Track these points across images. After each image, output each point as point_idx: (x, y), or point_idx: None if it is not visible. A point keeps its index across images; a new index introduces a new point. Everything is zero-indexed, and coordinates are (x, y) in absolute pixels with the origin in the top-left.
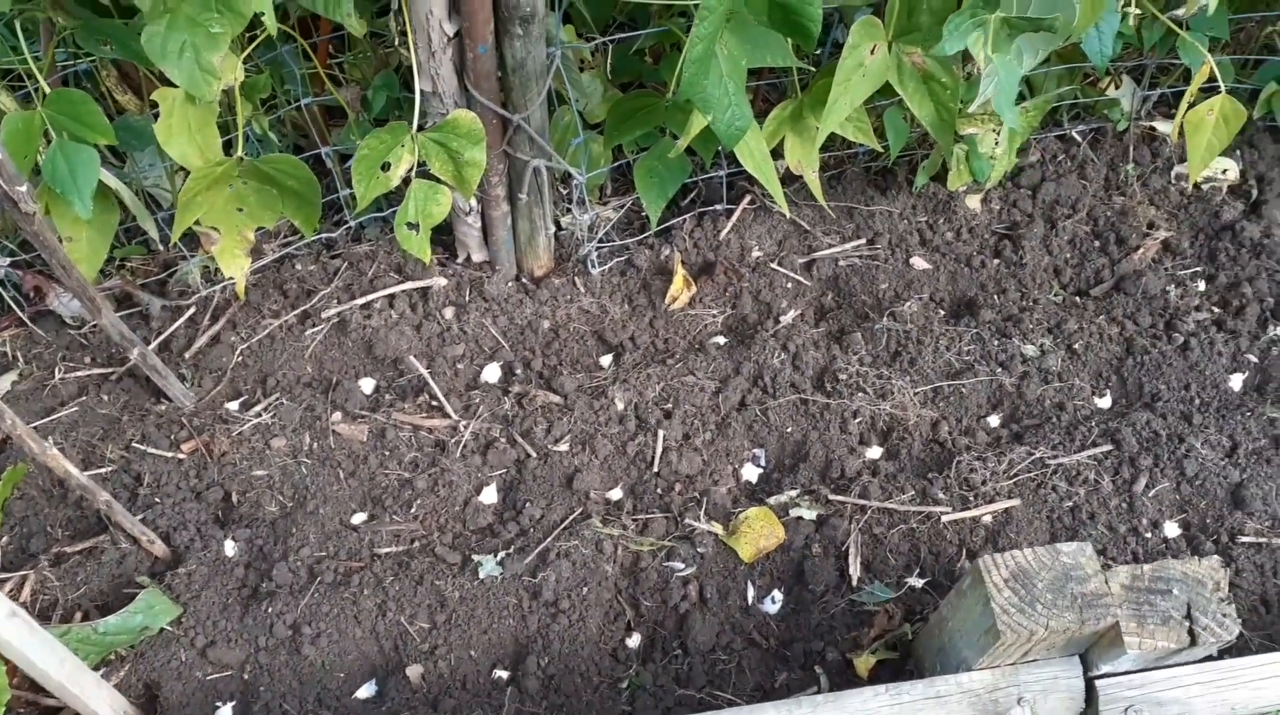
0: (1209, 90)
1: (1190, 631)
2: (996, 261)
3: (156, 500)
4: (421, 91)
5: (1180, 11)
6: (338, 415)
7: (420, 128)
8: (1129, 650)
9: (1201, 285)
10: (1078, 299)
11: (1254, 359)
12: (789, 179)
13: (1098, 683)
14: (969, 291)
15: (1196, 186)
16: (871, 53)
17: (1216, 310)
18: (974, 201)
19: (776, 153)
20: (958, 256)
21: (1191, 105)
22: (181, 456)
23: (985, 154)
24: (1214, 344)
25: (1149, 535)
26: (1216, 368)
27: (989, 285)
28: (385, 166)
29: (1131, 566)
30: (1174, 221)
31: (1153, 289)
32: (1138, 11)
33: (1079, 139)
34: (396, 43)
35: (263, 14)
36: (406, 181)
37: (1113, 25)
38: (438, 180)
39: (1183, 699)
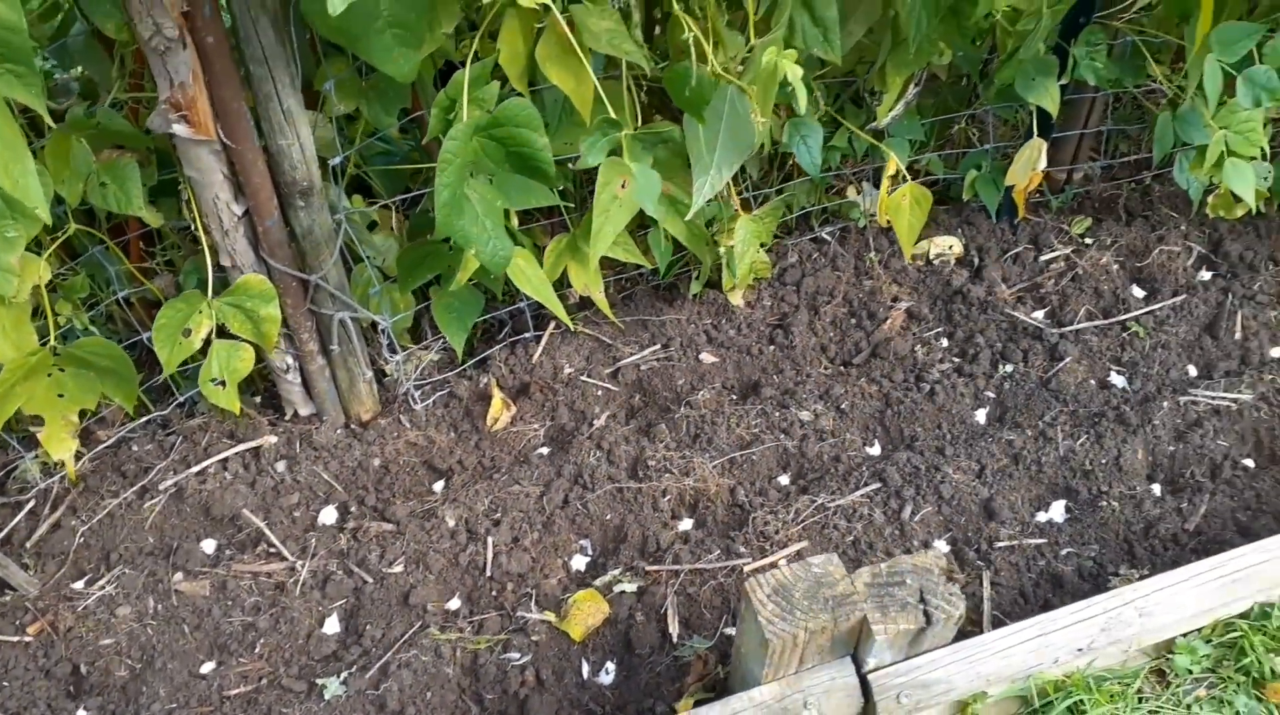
0: (931, 182)
1: (925, 613)
2: (772, 347)
3: (5, 683)
4: (222, 266)
5: (879, 123)
6: (179, 575)
7: (217, 293)
8: (877, 637)
9: (944, 342)
10: (842, 368)
11: (991, 395)
12: (587, 303)
13: (870, 677)
14: (752, 375)
15: (928, 261)
16: (622, 187)
17: (957, 360)
18: (737, 298)
19: (567, 280)
20: (740, 348)
21: (891, 193)
22: (28, 639)
23: (738, 259)
24: (957, 387)
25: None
26: (962, 406)
27: (768, 368)
28: (187, 332)
29: (871, 567)
30: (914, 293)
31: (902, 351)
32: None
33: (829, 238)
34: (194, 227)
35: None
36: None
37: (817, 140)
38: (240, 338)
39: (944, 678)
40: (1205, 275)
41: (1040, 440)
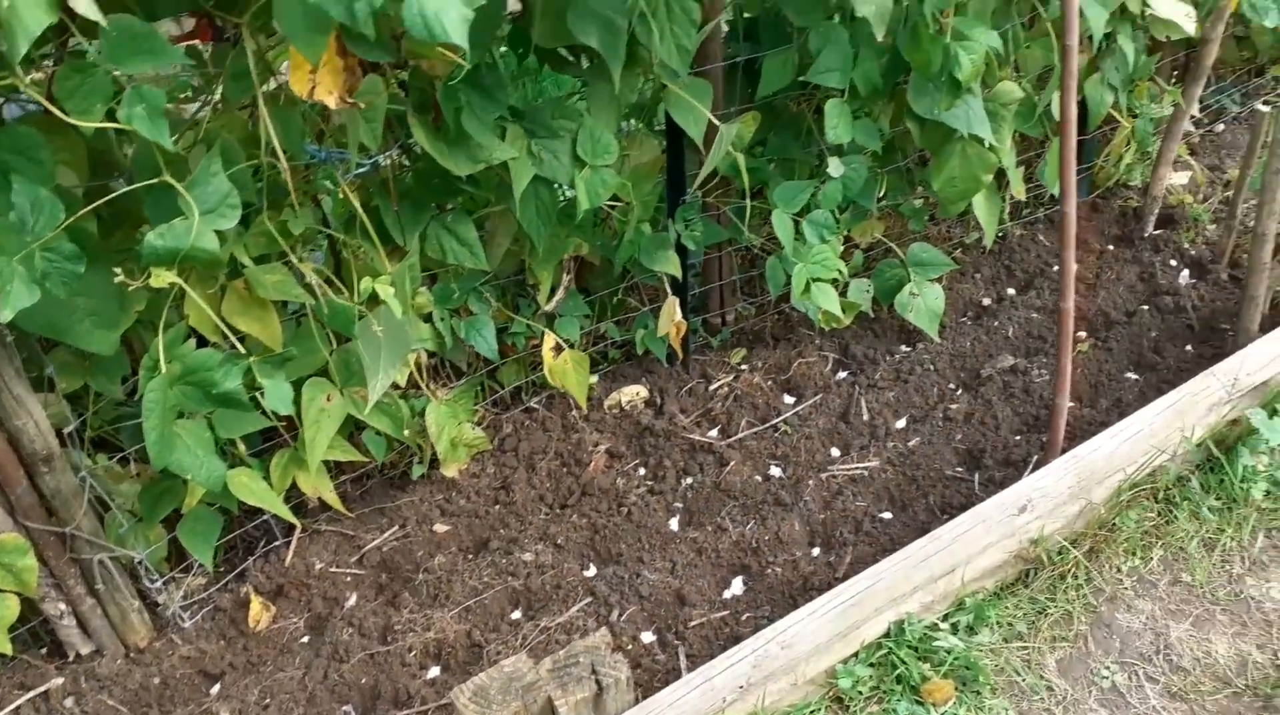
0: (621, 344)
1: (596, 681)
2: (498, 506)
3: None
4: None
5: (546, 308)
6: None
7: None
8: (561, 709)
9: (640, 470)
10: (559, 510)
11: (679, 505)
12: (327, 504)
13: None
14: (482, 534)
15: (621, 408)
16: (328, 400)
17: (650, 482)
18: (451, 471)
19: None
20: (469, 513)
21: (556, 360)
22: None
23: (435, 439)
24: (650, 505)
25: (631, 646)
26: (656, 519)
27: (495, 524)
28: None
29: (552, 656)
30: (613, 436)
31: (606, 485)
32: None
33: (538, 406)
34: None
35: None
36: None
37: (490, 332)
38: (4, 590)
39: None
40: (841, 375)
41: (718, 532)
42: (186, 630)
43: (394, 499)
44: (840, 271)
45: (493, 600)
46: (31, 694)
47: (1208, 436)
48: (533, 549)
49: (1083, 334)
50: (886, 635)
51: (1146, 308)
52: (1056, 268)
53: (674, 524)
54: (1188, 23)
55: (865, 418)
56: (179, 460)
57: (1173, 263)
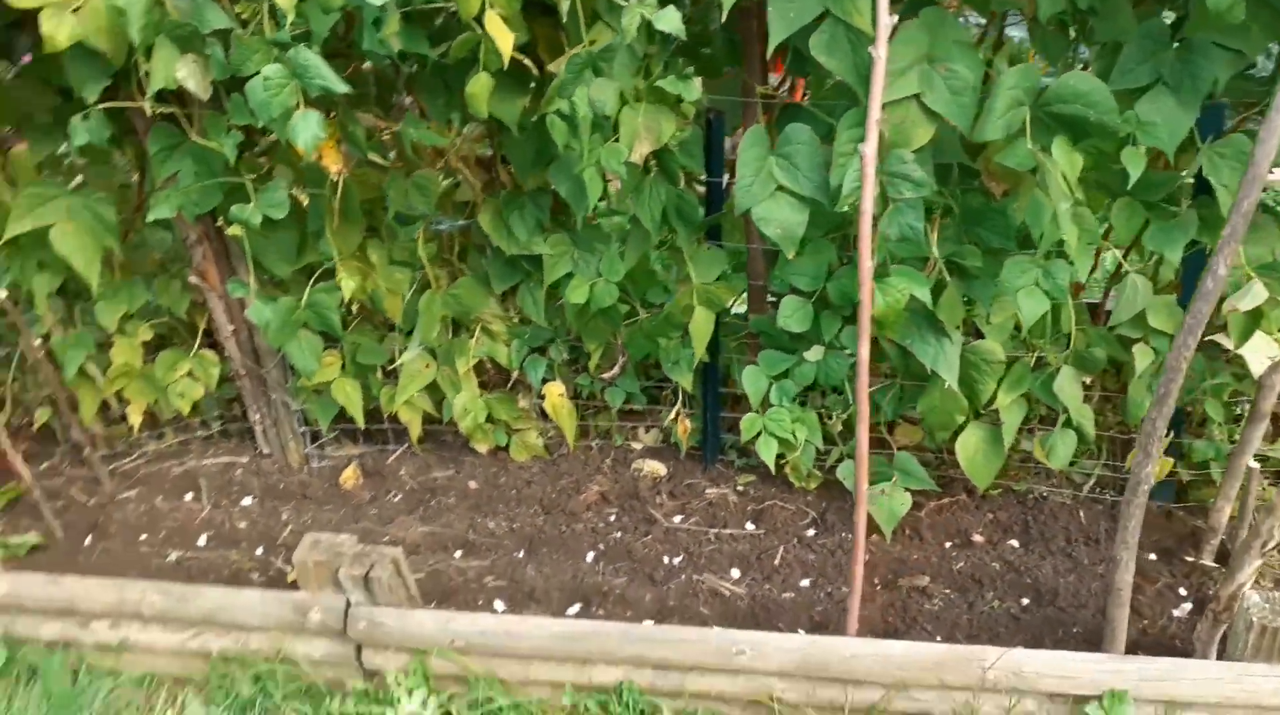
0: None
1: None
2: (517, 488)
3: None
4: (227, 358)
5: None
6: None
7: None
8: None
9: (613, 517)
10: (545, 513)
11: (602, 547)
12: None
13: None
14: (491, 498)
15: (639, 471)
16: (425, 367)
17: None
18: (481, 447)
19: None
20: (490, 484)
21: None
22: None
23: (471, 420)
24: (586, 538)
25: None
26: (581, 547)
27: (511, 499)
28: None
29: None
30: (613, 486)
31: (580, 511)
32: None
33: (593, 444)
34: (216, 336)
35: None
36: None
37: (538, 372)
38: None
39: None
40: (810, 532)
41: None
42: (312, 466)
43: (457, 454)
44: (793, 436)
45: (447, 534)
46: (229, 460)
47: None
48: (511, 519)
49: None
50: None
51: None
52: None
53: (590, 557)
54: (1257, 363)
55: (775, 564)
56: (290, 348)
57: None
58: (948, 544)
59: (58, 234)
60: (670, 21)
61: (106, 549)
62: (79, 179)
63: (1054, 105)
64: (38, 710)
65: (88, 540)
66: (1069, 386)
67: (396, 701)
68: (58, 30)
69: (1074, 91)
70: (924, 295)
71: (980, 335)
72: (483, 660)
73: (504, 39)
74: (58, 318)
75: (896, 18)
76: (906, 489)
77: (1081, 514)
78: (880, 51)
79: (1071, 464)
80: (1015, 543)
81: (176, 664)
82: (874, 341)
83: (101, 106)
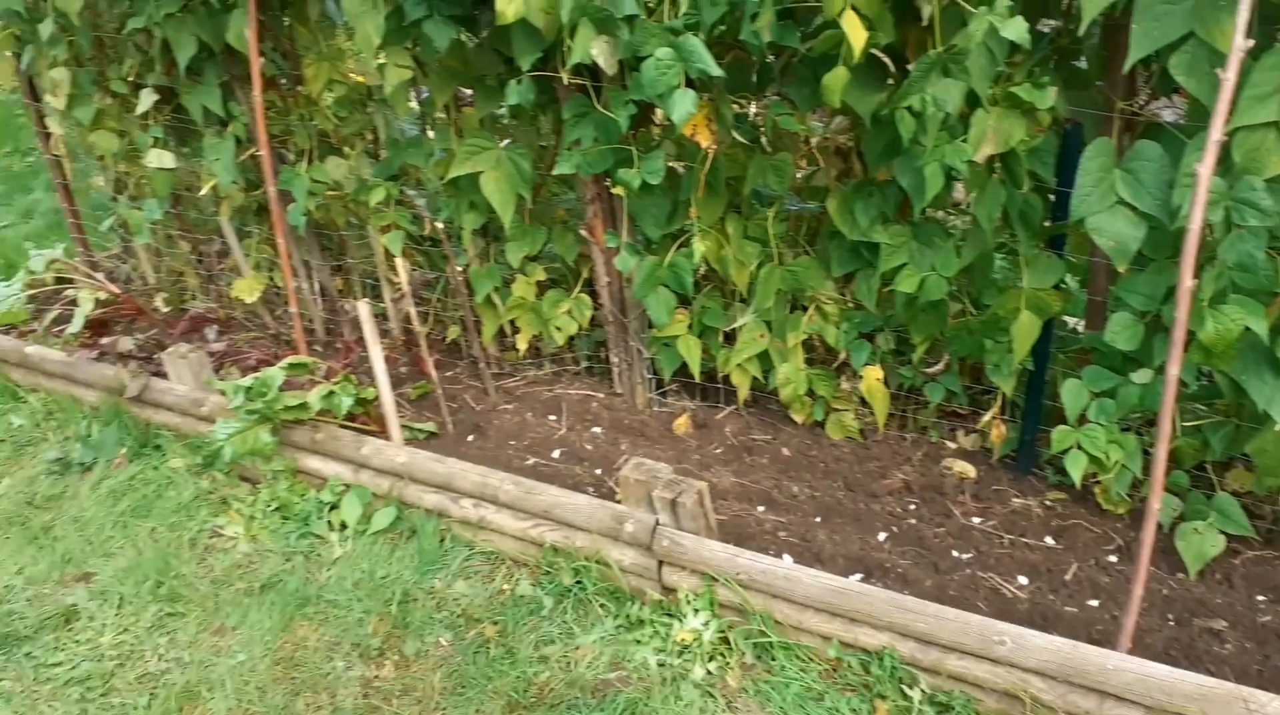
0: None
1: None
2: (833, 449)
3: None
4: (600, 306)
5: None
6: None
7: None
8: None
9: (913, 506)
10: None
11: (895, 529)
12: (752, 398)
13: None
14: (795, 461)
15: (947, 469)
16: (761, 337)
17: (911, 512)
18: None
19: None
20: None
21: None
22: None
23: (792, 390)
24: (879, 515)
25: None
26: (871, 525)
27: (805, 462)
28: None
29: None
30: (920, 479)
31: (882, 494)
32: None
33: (914, 433)
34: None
35: None
36: None
37: (861, 355)
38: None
39: None
40: (1112, 559)
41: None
42: (653, 410)
43: (777, 422)
44: (1105, 455)
45: (754, 489)
46: (589, 392)
47: None
48: (814, 488)
49: None
50: None
51: None
52: None
53: (882, 536)
54: None
55: (1065, 578)
56: (649, 301)
57: None
58: (1259, 596)
59: (486, 180)
60: (1016, 30)
61: (482, 446)
62: (509, 139)
63: None
64: (412, 561)
65: (470, 437)
66: None
67: (684, 617)
68: (507, 7)
69: None
70: (1260, 328)
71: None
72: (763, 600)
73: (858, 36)
74: (477, 252)
75: (1253, 41)
76: (1222, 532)
77: None
78: (1230, 74)
79: None
80: None
81: (517, 547)
82: (1209, 373)
83: (531, 75)
